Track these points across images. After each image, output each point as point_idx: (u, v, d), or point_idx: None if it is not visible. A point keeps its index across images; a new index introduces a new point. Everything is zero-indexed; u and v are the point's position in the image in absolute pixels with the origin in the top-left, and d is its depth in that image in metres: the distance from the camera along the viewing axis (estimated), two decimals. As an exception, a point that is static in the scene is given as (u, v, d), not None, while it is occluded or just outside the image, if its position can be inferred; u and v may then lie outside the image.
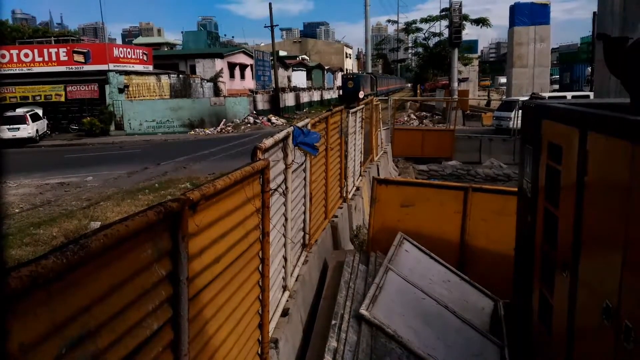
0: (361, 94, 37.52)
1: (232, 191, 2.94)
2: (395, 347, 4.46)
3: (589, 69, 39.42)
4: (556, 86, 52.70)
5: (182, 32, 67.70)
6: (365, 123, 11.67)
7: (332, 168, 7.53)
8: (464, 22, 37.88)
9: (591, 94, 23.68)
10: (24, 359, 1.28)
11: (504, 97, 40.68)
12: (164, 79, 38.68)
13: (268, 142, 3.99)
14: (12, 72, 32.78)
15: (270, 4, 42.02)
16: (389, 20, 54.70)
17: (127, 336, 1.80)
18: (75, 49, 33.76)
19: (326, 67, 73.72)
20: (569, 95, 26.85)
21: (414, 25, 45.57)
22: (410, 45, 49.81)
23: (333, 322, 4.66)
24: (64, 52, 33.39)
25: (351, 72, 55.49)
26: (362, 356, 4.24)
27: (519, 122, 15.76)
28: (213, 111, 34.36)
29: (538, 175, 4.13)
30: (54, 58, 33.35)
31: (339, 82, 60.49)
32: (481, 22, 41.76)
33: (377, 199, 7.36)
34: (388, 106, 24.55)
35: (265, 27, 43.82)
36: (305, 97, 50.99)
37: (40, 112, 30.62)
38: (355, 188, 10.16)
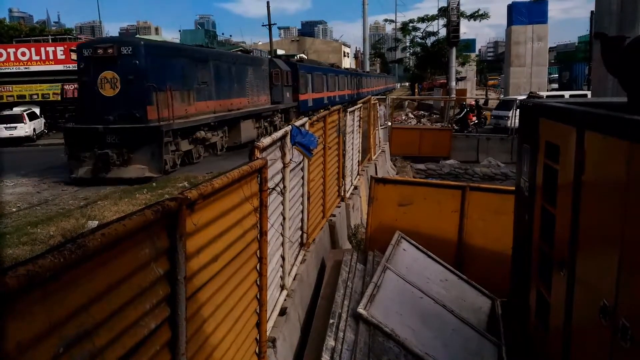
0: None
1: (230, 190, 2.93)
2: (393, 346, 4.47)
3: (588, 67, 39.48)
4: (555, 85, 52.69)
5: (179, 31, 67.56)
6: (363, 122, 11.69)
7: (330, 167, 7.53)
8: (462, 18, 37.38)
9: (589, 93, 23.73)
10: (21, 358, 1.28)
11: (502, 96, 40.72)
12: (162, 77, 38.51)
13: (266, 141, 3.99)
14: (9, 70, 32.68)
15: (268, 2, 42.04)
16: (386, 20, 54.47)
17: (124, 335, 1.80)
18: (73, 48, 33.64)
19: (324, 66, 73.13)
20: (566, 94, 26.90)
21: (411, 24, 45.41)
22: (407, 45, 49.61)
23: (331, 321, 4.66)
24: (61, 50, 33.25)
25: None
26: (360, 355, 4.24)
27: (517, 121, 15.77)
28: (211, 110, 34.21)
29: (535, 174, 4.13)
30: (51, 57, 33.22)
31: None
32: (479, 16, 40.66)
33: (374, 198, 7.36)
34: (386, 105, 24.59)
35: (262, 25, 43.85)
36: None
37: (37, 110, 30.50)
38: (353, 187, 10.17)
